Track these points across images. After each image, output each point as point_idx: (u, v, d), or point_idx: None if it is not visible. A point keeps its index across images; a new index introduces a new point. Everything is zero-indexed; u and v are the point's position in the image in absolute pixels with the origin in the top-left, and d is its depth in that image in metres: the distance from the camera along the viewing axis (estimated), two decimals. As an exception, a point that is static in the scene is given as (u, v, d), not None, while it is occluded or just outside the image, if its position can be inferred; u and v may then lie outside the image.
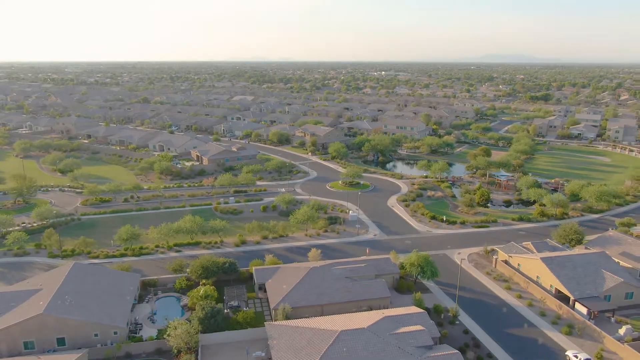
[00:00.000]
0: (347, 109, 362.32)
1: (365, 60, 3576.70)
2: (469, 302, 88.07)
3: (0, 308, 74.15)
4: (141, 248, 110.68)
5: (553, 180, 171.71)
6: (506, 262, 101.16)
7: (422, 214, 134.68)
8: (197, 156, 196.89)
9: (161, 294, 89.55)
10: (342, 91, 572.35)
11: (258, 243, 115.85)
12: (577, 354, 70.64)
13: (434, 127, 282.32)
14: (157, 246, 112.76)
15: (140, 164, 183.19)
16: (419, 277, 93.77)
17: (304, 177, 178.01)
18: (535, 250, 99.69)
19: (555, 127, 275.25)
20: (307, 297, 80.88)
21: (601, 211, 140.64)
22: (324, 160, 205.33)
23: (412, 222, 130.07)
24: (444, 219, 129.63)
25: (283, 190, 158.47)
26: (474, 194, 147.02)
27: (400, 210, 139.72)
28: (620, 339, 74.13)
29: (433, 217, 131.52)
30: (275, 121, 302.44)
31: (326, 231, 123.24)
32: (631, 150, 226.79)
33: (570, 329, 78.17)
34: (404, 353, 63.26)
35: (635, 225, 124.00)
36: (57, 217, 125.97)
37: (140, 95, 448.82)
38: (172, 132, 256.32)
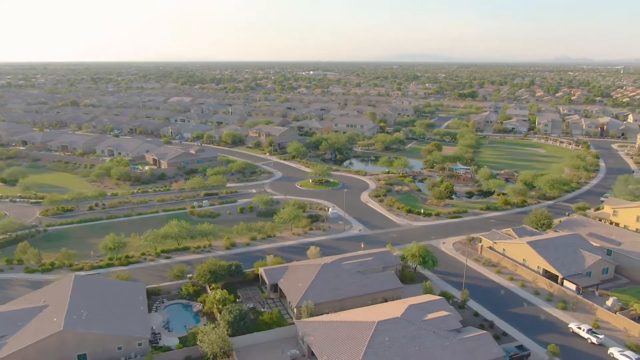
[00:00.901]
0: (290, 108, 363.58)
1: (288, 60, 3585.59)
2: (468, 287, 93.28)
3: (7, 328, 68.68)
4: (127, 257, 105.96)
5: (503, 172, 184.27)
6: (491, 248, 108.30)
7: (398, 208, 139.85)
8: (154, 160, 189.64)
9: (167, 301, 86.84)
10: (277, 91, 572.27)
11: (248, 245, 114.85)
12: (580, 326, 78.01)
13: (381, 124, 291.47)
14: (143, 254, 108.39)
15: (95, 170, 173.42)
16: (418, 267, 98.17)
17: (269, 177, 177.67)
18: (516, 236, 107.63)
19: (491, 122, 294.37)
20: (324, 294, 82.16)
21: (553, 198, 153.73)
22: (284, 160, 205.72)
23: (391, 216, 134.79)
24: (422, 211, 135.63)
25: (254, 191, 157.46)
26: (439, 187, 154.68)
27: (375, 206, 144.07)
28: (609, 310, 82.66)
29: (409, 211, 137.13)
30: (222, 122, 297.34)
31: (311, 229, 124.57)
32: (561, 142, 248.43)
33: (565, 304, 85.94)
34: (440, 337, 66.74)
35: (589, 208, 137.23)
36: (21, 230, 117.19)
37: (66, 98, 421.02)
38: (117, 136, 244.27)
